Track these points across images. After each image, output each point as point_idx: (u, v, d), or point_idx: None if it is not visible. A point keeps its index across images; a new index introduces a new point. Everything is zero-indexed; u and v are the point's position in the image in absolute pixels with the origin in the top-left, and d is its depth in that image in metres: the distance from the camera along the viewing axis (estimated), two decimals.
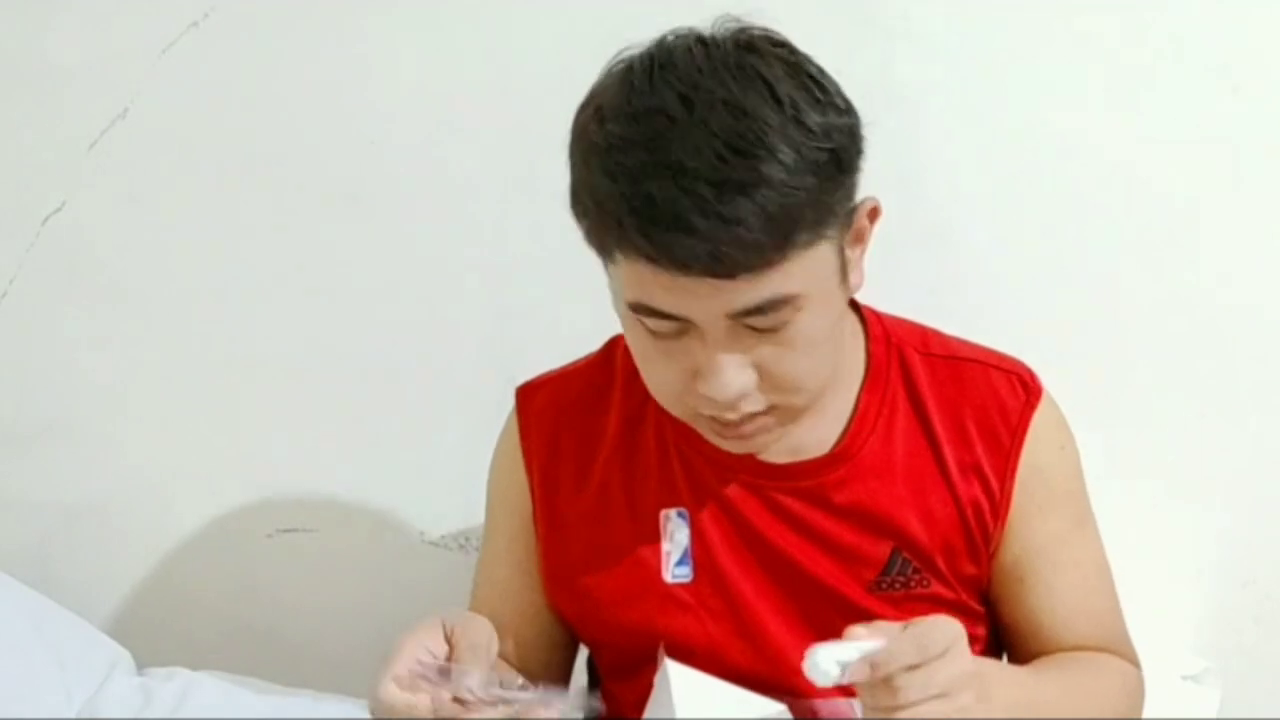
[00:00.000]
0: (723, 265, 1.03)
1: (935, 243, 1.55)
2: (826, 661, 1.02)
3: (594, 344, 1.41)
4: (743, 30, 1.10)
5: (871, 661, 1.00)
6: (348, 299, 1.66)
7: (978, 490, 1.22)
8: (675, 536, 1.23)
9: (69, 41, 1.61)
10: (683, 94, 1.05)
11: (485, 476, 1.56)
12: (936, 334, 1.27)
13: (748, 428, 1.14)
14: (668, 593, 1.22)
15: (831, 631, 1.13)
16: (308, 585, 1.72)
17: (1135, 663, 1.28)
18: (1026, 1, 1.56)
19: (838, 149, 1.07)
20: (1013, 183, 1.57)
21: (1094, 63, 1.56)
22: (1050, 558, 1.23)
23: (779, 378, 1.11)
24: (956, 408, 1.22)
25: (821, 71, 1.10)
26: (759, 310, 1.07)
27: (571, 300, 1.62)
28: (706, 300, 1.06)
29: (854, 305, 1.25)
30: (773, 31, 1.11)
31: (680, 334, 1.10)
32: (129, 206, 1.64)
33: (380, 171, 1.63)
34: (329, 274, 1.65)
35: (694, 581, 1.22)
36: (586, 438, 1.27)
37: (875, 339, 1.24)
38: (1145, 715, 1.29)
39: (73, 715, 1.43)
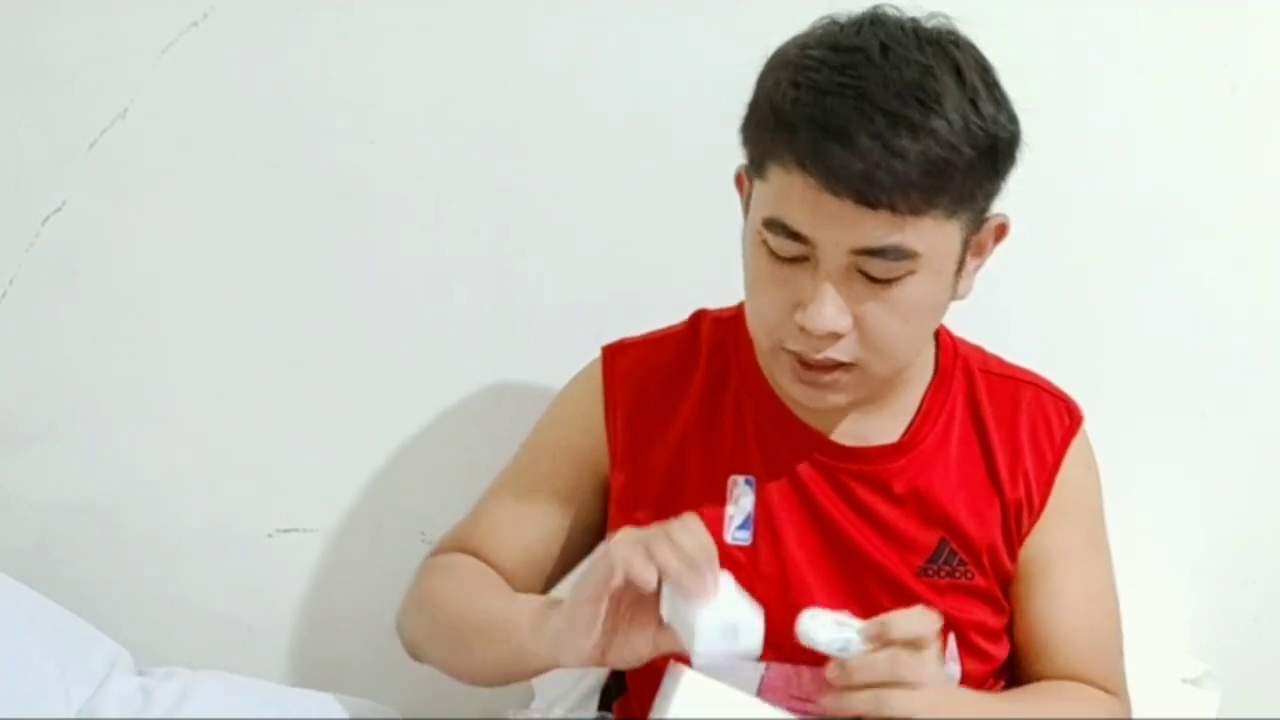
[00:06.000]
0: (870, 191, 1.10)
1: None
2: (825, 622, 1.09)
3: (594, 343, 1.41)
4: (949, 26, 1.20)
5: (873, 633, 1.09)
6: (347, 299, 1.66)
7: (1022, 495, 1.31)
8: (740, 501, 1.30)
9: (69, 41, 1.61)
10: (884, 44, 1.15)
11: (484, 476, 1.56)
12: (995, 356, 1.38)
13: (825, 377, 1.21)
14: (725, 552, 1.26)
15: (876, 607, 1.24)
16: (308, 585, 1.72)
17: (1122, 694, 1.32)
18: (1026, 2, 1.56)
19: (998, 144, 1.16)
20: (1009, 183, 1.57)
21: (1093, 62, 1.56)
22: (1062, 565, 1.31)
23: (873, 335, 1.18)
24: (1011, 420, 1.32)
25: (1000, 83, 1.20)
26: (881, 254, 1.14)
27: (572, 300, 1.63)
28: (839, 228, 1.13)
29: None
30: (971, 41, 1.21)
31: (798, 261, 1.17)
32: (129, 206, 1.64)
33: (380, 171, 1.63)
34: (329, 274, 1.65)
35: (752, 546, 1.30)
36: (669, 400, 1.34)
37: (944, 348, 1.34)
38: (1146, 717, 1.29)
39: (72, 715, 1.43)
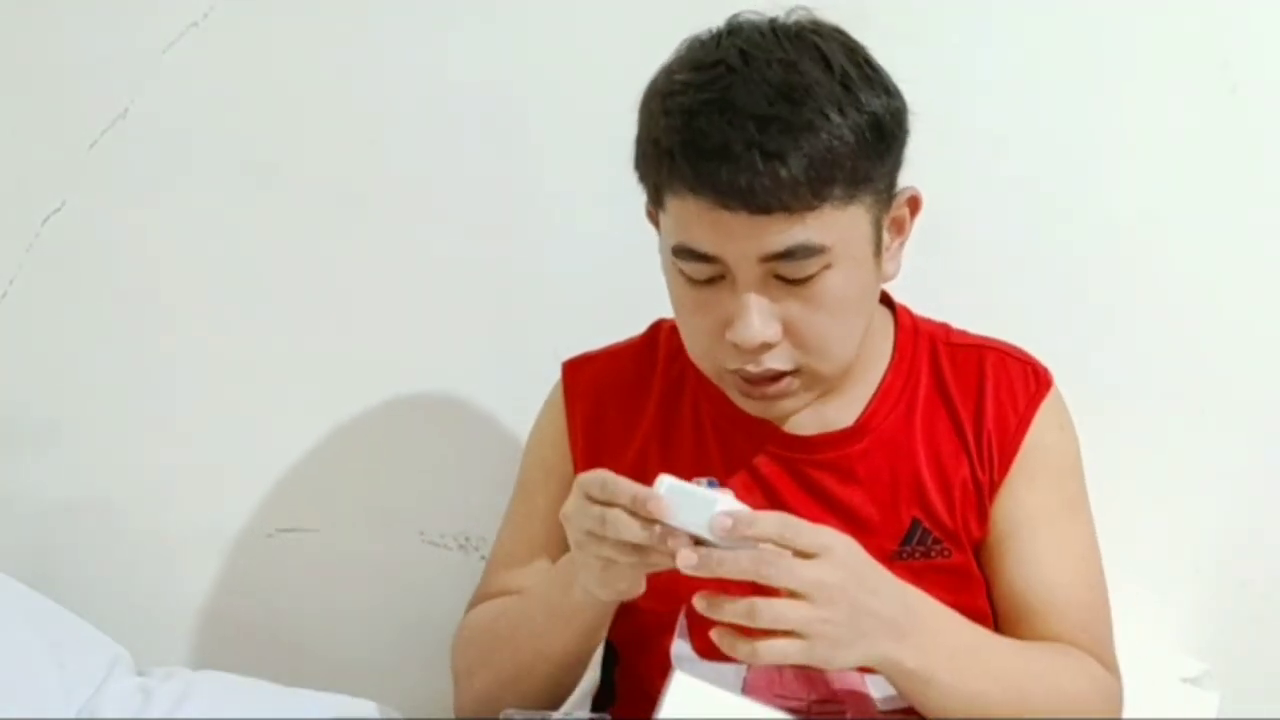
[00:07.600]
0: (758, 198, 1.10)
1: (935, 242, 1.55)
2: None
3: (593, 345, 1.41)
4: (810, 18, 1.20)
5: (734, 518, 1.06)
6: (347, 299, 1.66)
7: (988, 463, 1.28)
8: None
9: (69, 41, 1.61)
10: (743, 50, 1.15)
11: (483, 476, 1.56)
12: (960, 330, 1.36)
13: (772, 388, 1.20)
14: None
15: None
16: (308, 585, 1.72)
17: (1114, 671, 1.28)
18: (1026, 1, 1.56)
19: (880, 121, 1.16)
20: (1010, 181, 1.58)
21: (1092, 61, 1.56)
22: (1033, 528, 1.28)
23: (805, 336, 1.18)
24: (976, 388, 1.30)
25: (874, 60, 1.19)
26: (789, 255, 1.14)
27: (572, 301, 1.63)
28: (741, 240, 1.13)
29: (887, 300, 1.33)
30: (837, 26, 1.21)
31: (715, 281, 1.17)
32: (129, 206, 1.64)
33: (380, 171, 1.63)
34: (328, 274, 1.65)
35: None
36: (629, 412, 1.34)
37: (904, 328, 1.32)
38: (1145, 717, 1.29)
39: (72, 715, 1.43)
